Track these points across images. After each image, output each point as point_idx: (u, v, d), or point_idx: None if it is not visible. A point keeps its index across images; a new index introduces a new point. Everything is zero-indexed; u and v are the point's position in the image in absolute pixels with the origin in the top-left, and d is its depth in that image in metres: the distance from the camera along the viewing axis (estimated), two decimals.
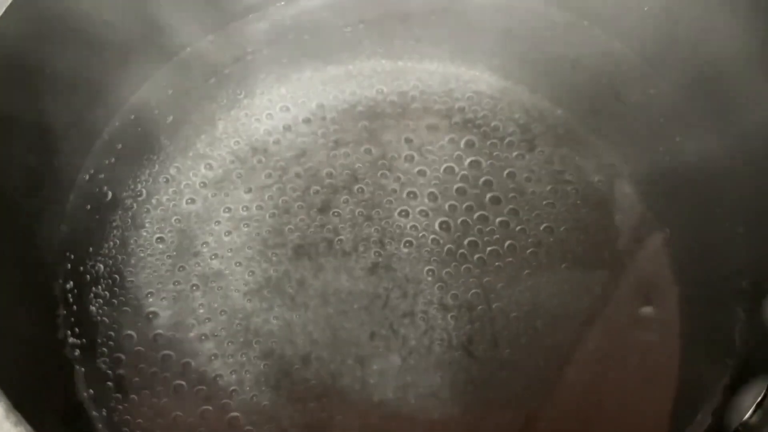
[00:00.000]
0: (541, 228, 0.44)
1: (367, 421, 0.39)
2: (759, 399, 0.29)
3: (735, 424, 0.30)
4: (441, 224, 0.44)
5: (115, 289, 0.41)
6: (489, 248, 0.44)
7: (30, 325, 0.33)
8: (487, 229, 0.44)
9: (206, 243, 0.44)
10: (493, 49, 0.48)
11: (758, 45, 0.39)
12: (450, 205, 0.45)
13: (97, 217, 0.41)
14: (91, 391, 0.37)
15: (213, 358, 0.40)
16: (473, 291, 0.42)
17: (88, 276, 0.41)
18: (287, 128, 0.47)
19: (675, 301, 0.42)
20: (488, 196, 0.45)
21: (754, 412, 0.29)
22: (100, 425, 0.35)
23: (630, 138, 0.46)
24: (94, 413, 0.36)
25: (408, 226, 0.44)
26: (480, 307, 0.42)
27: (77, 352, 0.37)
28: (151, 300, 0.42)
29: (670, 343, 0.40)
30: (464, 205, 0.45)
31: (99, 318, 0.40)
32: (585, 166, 0.46)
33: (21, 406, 0.24)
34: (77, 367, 0.37)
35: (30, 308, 0.34)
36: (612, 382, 0.40)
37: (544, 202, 0.45)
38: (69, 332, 0.37)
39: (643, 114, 0.45)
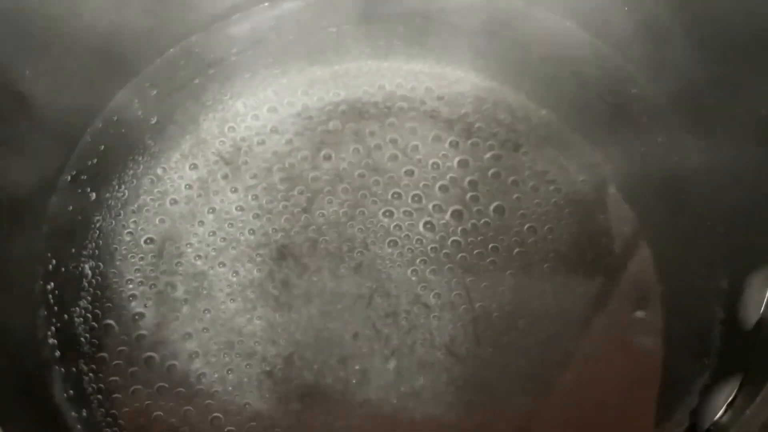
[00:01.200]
0: (525, 228, 0.44)
1: (349, 421, 0.39)
2: (730, 399, 0.29)
3: (707, 424, 0.30)
4: (425, 224, 0.44)
5: (98, 290, 0.41)
6: (472, 248, 0.44)
7: (8, 325, 0.33)
8: (471, 229, 0.44)
9: (190, 243, 0.44)
10: (478, 50, 0.48)
11: (739, 45, 0.39)
12: (434, 205, 0.45)
13: (79, 218, 0.41)
14: (71, 391, 0.37)
15: (196, 358, 0.41)
16: (456, 291, 0.42)
17: (70, 277, 0.41)
18: (272, 129, 0.47)
19: (657, 300, 0.42)
20: (472, 195, 0.45)
21: (725, 411, 0.29)
22: (79, 426, 0.35)
23: (613, 138, 0.46)
24: (74, 414, 0.36)
25: (392, 226, 0.44)
26: (462, 306, 0.42)
27: (57, 353, 0.37)
28: (134, 301, 0.42)
29: (651, 342, 0.41)
30: (448, 205, 0.45)
31: (81, 319, 0.40)
32: (569, 166, 0.46)
33: None
34: (56, 367, 0.37)
35: (9, 308, 0.34)
36: (593, 381, 0.40)
37: (528, 202, 0.45)
38: (49, 333, 0.38)
39: (625, 114, 0.45)
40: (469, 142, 0.47)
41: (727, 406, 0.29)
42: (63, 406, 0.35)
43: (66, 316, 0.39)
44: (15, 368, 0.32)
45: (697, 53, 0.40)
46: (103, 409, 0.38)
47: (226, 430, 0.39)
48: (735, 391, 0.29)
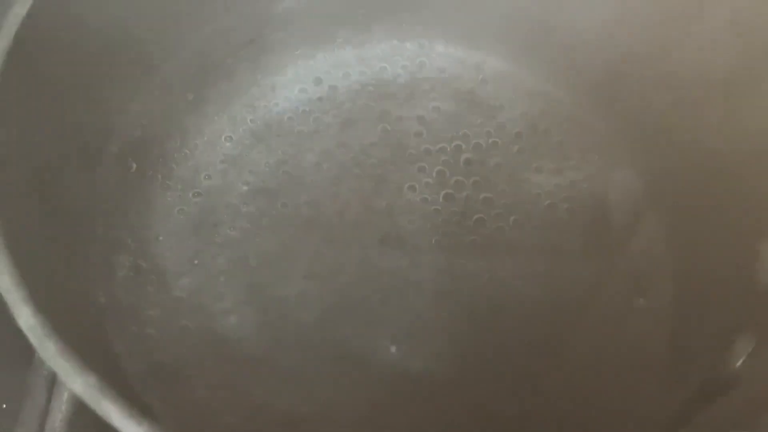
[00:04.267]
0: (545, 203, 0.46)
1: (376, 382, 0.41)
2: (746, 354, 0.30)
3: (723, 378, 0.32)
4: (448, 198, 0.46)
5: (140, 256, 0.43)
6: (493, 222, 0.46)
7: (69, 286, 0.36)
8: (492, 203, 0.46)
9: (225, 215, 0.46)
10: (499, 32, 0.50)
11: None
12: (456, 181, 0.47)
13: (123, 187, 0.43)
14: (121, 348, 0.39)
15: (232, 322, 0.43)
16: (478, 262, 0.45)
17: (114, 245, 0.43)
18: (301, 107, 0.50)
19: (670, 273, 0.44)
20: (493, 172, 0.47)
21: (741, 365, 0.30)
22: (130, 379, 0.38)
23: (631, 117, 0.48)
24: (125, 368, 0.38)
25: (416, 200, 0.46)
26: (485, 276, 0.44)
27: (108, 312, 0.39)
28: (173, 268, 0.44)
29: (664, 310, 0.43)
30: (470, 181, 0.47)
31: (125, 282, 0.42)
32: (587, 145, 0.48)
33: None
34: (108, 325, 0.39)
35: (67, 272, 0.36)
36: (605, 347, 0.43)
37: (547, 180, 0.47)
38: (100, 293, 0.39)
39: (644, 94, 0.47)
40: (490, 120, 0.49)
41: (744, 359, 0.31)
42: (118, 360, 0.37)
43: (113, 279, 0.41)
44: (80, 321, 0.34)
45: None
46: (147, 368, 0.40)
47: (260, 389, 0.41)
48: (752, 346, 0.31)
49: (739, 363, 0.31)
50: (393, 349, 0.42)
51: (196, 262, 0.44)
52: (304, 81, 0.50)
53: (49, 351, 0.24)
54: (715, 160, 0.43)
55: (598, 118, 0.49)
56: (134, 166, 0.44)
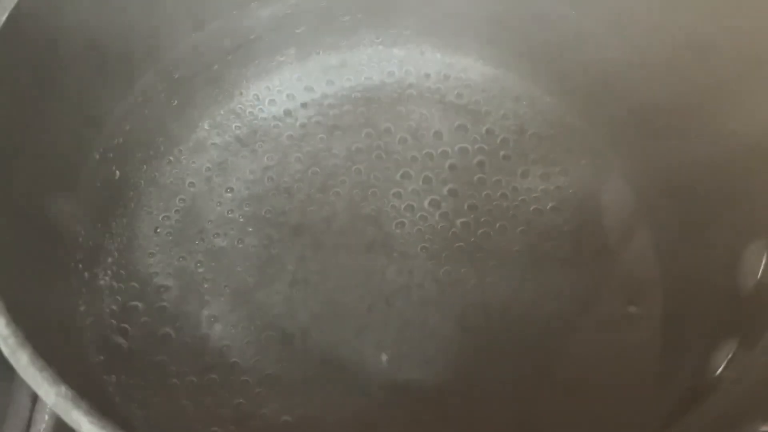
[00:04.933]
0: (531, 208, 0.46)
1: (364, 389, 0.41)
2: (729, 357, 0.30)
3: (706, 381, 0.32)
4: (434, 204, 0.46)
5: (123, 264, 0.43)
6: (479, 228, 0.46)
7: (50, 294, 0.35)
8: (478, 209, 0.46)
9: (210, 221, 0.45)
10: (485, 38, 0.50)
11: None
12: (442, 186, 0.47)
13: (106, 194, 0.43)
14: (101, 357, 0.38)
15: (217, 330, 0.42)
16: (465, 268, 0.44)
17: (97, 250, 0.42)
18: (287, 113, 0.49)
19: (658, 281, 0.44)
20: (479, 178, 0.47)
21: (725, 368, 0.30)
22: (111, 389, 0.37)
23: (617, 123, 0.48)
24: (105, 377, 0.37)
25: (402, 206, 0.46)
26: (471, 282, 0.44)
27: (88, 320, 0.39)
28: (157, 275, 0.44)
29: (651, 319, 0.42)
30: (456, 186, 0.47)
31: (107, 290, 0.42)
32: (574, 151, 0.48)
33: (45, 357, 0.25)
34: (89, 333, 0.38)
35: (48, 278, 0.36)
36: (594, 354, 0.42)
37: (534, 185, 0.47)
38: (80, 302, 0.39)
39: (629, 100, 0.47)
40: (477, 126, 0.49)
41: (727, 363, 0.31)
42: (98, 369, 0.37)
43: (94, 287, 0.41)
44: (58, 330, 0.34)
45: (705, 42, 0.41)
46: (129, 373, 0.39)
47: (245, 398, 0.40)
48: (734, 350, 0.31)
49: (722, 367, 0.31)
50: (382, 356, 0.42)
51: (180, 269, 0.44)
52: (291, 87, 0.50)
53: (21, 361, 0.24)
54: (702, 166, 0.42)
55: (586, 123, 0.49)
56: (117, 173, 0.44)
